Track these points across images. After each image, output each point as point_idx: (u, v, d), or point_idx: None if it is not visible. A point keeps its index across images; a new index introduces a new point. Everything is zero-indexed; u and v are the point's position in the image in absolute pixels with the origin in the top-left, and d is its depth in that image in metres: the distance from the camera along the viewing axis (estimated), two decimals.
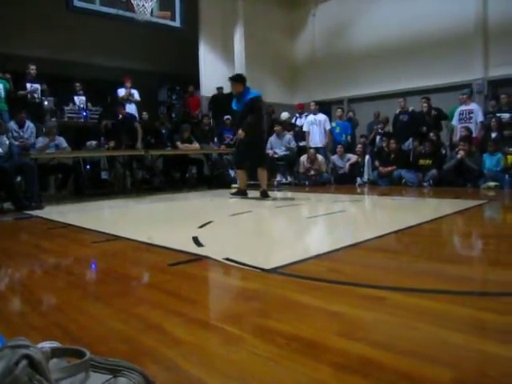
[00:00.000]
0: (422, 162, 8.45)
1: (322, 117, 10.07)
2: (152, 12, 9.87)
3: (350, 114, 10.68)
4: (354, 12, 11.78)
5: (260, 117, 6.72)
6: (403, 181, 8.51)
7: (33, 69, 8.52)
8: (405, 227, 3.79)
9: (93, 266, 3.06)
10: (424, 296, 1.97)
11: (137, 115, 9.65)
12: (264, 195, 6.81)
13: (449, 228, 4.23)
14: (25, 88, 8.45)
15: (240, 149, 6.88)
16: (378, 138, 9.85)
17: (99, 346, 1.50)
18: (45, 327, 1.77)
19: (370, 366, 1.32)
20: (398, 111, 9.73)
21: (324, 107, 11.00)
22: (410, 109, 9.64)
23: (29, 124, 7.72)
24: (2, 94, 7.94)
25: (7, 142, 6.61)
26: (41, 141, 7.45)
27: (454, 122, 8.75)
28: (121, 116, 8.87)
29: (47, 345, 0.87)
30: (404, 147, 9.24)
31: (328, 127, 10.01)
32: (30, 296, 2.26)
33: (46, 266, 3.01)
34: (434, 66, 10.14)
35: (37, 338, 0.84)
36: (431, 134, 8.64)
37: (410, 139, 9.31)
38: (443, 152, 8.78)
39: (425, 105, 9.06)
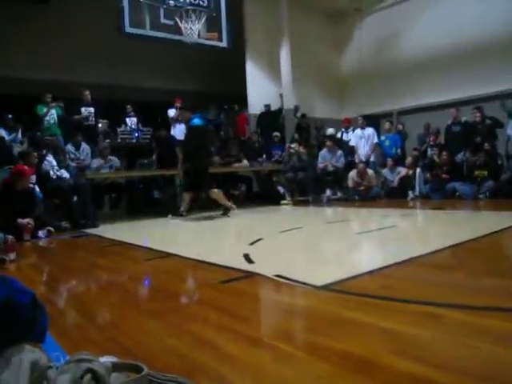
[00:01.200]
0: (477, 173, 8.16)
1: (369, 131, 9.96)
2: (199, 34, 10.12)
3: (399, 126, 10.50)
4: (401, 23, 11.65)
5: (198, 144, 6.91)
6: (457, 194, 8.24)
7: (87, 94, 8.94)
8: (460, 242, 3.65)
9: (146, 282, 3.13)
10: (483, 314, 1.90)
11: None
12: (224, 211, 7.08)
13: (509, 242, 4.05)
14: (80, 112, 8.85)
15: (185, 175, 7.24)
16: (429, 150, 9.61)
17: (154, 361, 1.53)
18: (102, 342, 1.83)
19: None
20: (449, 122, 9.47)
21: (373, 121, 10.88)
22: (463, 119, 9.35)
23: (84, 146, 8.09)
24: (56, 119, 8.44)
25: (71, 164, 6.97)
26: (95, 162, 7.76)
27: (509, 130, 8.43)
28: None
29: (107, 359, 0.91)
30: (457, 159, 8.96)
31: (375, 141, 9.88)
32: (88, 311, 2.34)
33: (101, 283, 3.11)
34: (485, 73, 9.83)
35: (95, 352, 0.88)
36: (486, 145, 8.33)
37: (463, 151, 9.01)
38: (499, 162, 8.45)
39: (478, 115, 8.79)
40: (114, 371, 0.86)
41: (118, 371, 0.88)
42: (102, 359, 0.89)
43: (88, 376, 0.74)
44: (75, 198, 7.00)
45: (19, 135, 7.98)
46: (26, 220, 5.31)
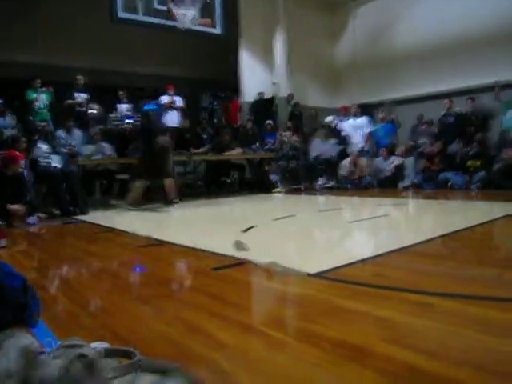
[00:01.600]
0: (469, 163, 8.19)
1: (362, 120, 9.95)
2: (193, 20, 10.01)
3: (393, 116, 10.47)
4: (395, 13, 11.58)
5: (147, 131, 6.79)
6: (449, 184, 8.27)
7: (80, 79, 8.82)
8: (452, 231, 3.67)
9: (138, 269, 3.12)
10: (474, 303, 1.90)
11: (178, 122, 9.76)
12: (168, 202, 6.73)
13: (500, 232, 4.08)
14: (72, 97, 8.74)
15: (141, 160, 6.95)
16: (420, 139, 9.60)
17: (146, 347, 1.52)
18: (94, 328, 1.82)
19: (418, 374, 1.29)
20: (443, 113, 9.48)
21: (366, 110, 10.84)
22: (457, 110, 9.36)
23: (75, 132, 8.00)
24: (46, 104, 8.37)
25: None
26: (87, 148, 7.69)
27: (504, 121, 8.46)
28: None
29: (99, 345, 0.90)
30: (450, 149, 8.98)
31: (368, 130, 9.87)
32: (80, 298, 2.32)
33: (93, 270, 3.09)
34: (479, 64, 9.81)
35: (87, 338, 0.87)
36: (478, 135, 8.36)
37: (456, 141, 9.04)
38: (491, 153, 8.48)
39: (470, 105, 8.79)
40: (105, 357, 0.85)
41: (110, 357, 0.87)
42: (94, 345, 0.88)
43: (79, 361, 0.73)
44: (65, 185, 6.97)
45: (10, 120, 7.87)
46: (16, 206, 5.26)
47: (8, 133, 7.27)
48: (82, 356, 0.74)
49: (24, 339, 0.88)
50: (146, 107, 7.08)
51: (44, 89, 8.40)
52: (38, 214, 5.64)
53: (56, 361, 0.74)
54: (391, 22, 11.69)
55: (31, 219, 5.50)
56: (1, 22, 9.65)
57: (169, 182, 6.73)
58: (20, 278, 0.98)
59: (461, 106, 9.20)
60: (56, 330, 1.75)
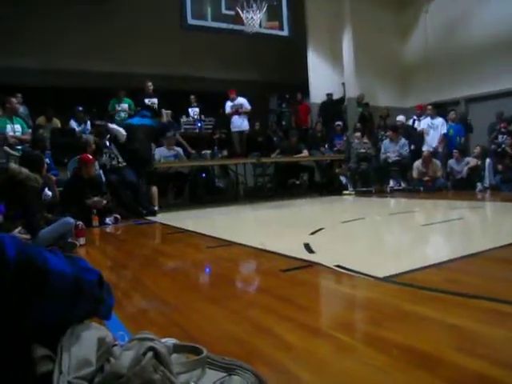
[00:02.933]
0: None
1: (439, 121, 9.58)
2: (261, 23, 10.10)
3: (464, 115, 10.01)
4: (469, 5, 11.03)
5: (132, 140, 7.06)
6: None
7: (150, 85, 9.15)
8: None
9: (208, 269, 3.19)
10: None
11: (247, 126, 9.86)
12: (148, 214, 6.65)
13: None
14: (143, 104, 9.09)
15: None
16: (500, 137, 9.08)
17: (213, 345, 1.56)
18: (164, 325, 1.89)
19: None
20: None
21: (440, 109, 10.42)
22: None
23: None
24: (126, 113, 8.80)
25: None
26: (160, 151, 7.97)
27: None
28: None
29: (169, 340, 0.94)
30: None
31: (443, 131, 9.50)
32: (151, 296, 2.42)
33: (164, 269, 3.21)
34: None
35: (158, 334, 0.91)
36: None
37: None
38: None
39: None
40: (174, 352, 0.89)
41: (179, 352, 0.91)
42: (164, 340, 0.92)
43: (150, 354, 0.77)
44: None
45: (88, 126, 8.33)
46: (94, 198, 5.56)
47: (89, 139, 7.68)
48: (153, 349, 0.78)
49: (100, 331, 0.94)
50: (132, 120, 7.50)
51: (123, 94, 8.80)
52: (115, 215, 5.92)
53: (128, 352, 0.79)
54: (466, 14, 11.15)
55: (108, 219, 5.79)
56: (77, 33, 10.22)
57: (154, 190, 7.07)
58: (96, 272, 1.05)
59: None
60: (128, 324, 1.84)
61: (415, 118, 10.48)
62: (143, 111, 7.84)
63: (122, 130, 7.24)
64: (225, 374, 0.87)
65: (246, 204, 7.96)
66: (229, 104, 9.83)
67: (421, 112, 10.41)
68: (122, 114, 8.75)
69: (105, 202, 5.73)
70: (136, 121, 7.49)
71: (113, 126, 7.26)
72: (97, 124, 7.30)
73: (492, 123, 9.63)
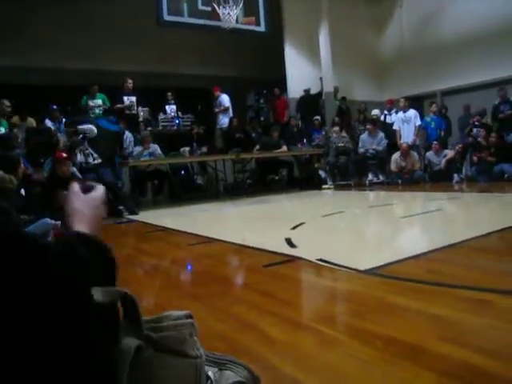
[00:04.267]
0: None
1: (411, 113, 9.68)
2: (237, 19, 10.06)
3: (443, 110, 10.13)
4: (443, 0, 11.19)
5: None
6: (505, 176, 7.92)
7: (130, 83, 9.02)
8: (510, 225, 3.50)
9: (189, 267, 3.17)
10: None
11: (226, 123, 9.88)
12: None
13: None
14: (122, 101, 8.97)
15: None
16: (474, 130, 9.23)
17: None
18: None
19: (476, 374, 1.24)
20: (497, 102, 9.09)
21: (415, 102, 10.54)
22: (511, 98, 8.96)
23: (127, 134, 8.22)
24: (101, 108, 8.65)
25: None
26: (137, 149, 7.90)
27: None
28: None
29: None
30: (509, 140, 8.57)
31: (418, 123, 9.59)
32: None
33: (145, 267, 3.18)
34: None
35: None
36: None
37: None
38: None
39: None
40: None
41: None
42: None
43: (190, 320, 0.81)
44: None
45: (62, 125, 8.18)
46: None
47: (61, 137, 7.56)
48: (191, 317, 0.80)
49: None
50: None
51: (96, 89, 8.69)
52: None
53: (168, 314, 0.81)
54: (439, 10, 11.30)
55: None
56: (53, 31, 10.03)
57: None
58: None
59: None
60: None
61: (386, 112, 10.60)
62: (111, 117, 7.91)
63: (92, 127, 7.17)
64: (216, 369, 0.86)
65: (226, 200, 7.93)
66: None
67: (391, 106, 10.55)
68: (97, 111, 8.62)
69: None
70: (103, 124, 7.46)
71: (82, 126, 7.17)
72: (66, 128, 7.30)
73: (460, 117, 9.80)
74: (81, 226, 0.84)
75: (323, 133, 10.05)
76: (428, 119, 9.79)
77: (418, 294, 2.00)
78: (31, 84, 9.47)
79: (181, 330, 0.76)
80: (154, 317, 0.78)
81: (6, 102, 7.09)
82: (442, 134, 9.59)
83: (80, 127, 7.09)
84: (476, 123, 9.11)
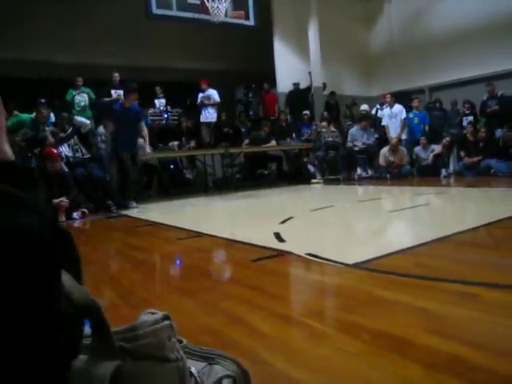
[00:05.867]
0: None
1: (397, 108, 9.74)
2: (226, 13, 10.02)
3: (438, 104, 10.17)
4: None
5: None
6: (492, 171, 8.00)
7: (116, 76, 8.97)
8: (497, 220, 3.55)
9: (178, 261, 3.17)
10: None
11: (215, 117, 9.84)
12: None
13: None
14: (110, 95, 8.92)
15: None
16: (464, 120, 9.26)
17: (187, 338, 1.54)
18: (135, 319, 1.86)
19: (462, 366, 1.26)
20: (485, 97, 9.17)
21: (403, 97, 10.60)
22: (499, 94, 9.03)
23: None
24: (87, 102, 8.57)
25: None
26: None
27: None
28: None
29: None
30: (497, 135, 8.65)
31: (403, 117, 9.65)
32: (122, 290, 2.38)
33: (135, 262, 3.17)
34: None
35: None
36: None
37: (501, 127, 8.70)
38: None
39: None
40: None
41: None
42: None
43: (167, 321, 0.79)
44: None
45: (52, 119, 8.10)
46: (60, 199, 5.43)
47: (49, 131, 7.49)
48: (168, 318, 0.79)
49: None
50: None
51: (80, 83, 8.61)
52: (83, 209, 5.81)
53: (146, 316, 0.79)
54: (428, 5, 11.36)
55: (75, 214, 5.67)
56: (41, 24, 9.91)
57: None
58: None
59: (507, 89, 8.87)
60: None
61: (378, 107, 10.64)
62: (88, 112, 8.11)
63: (86, 121, 7.12)
64: (205, 364, 0.86)
65: (216, 195, 7.92)
66: (200, 95, 9.77)
67: (384, 101, 10.60)
68: (82, 104, 8.55)
69: (67, 202, 5.55)
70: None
71: (79, 117, 7.16)
72: (63, 115, 7.19)
73: (448, 111, 9.87)
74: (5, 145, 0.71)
75: (313, 127, 10.07)
76: (411, 115, 9.84)
77: (405, 288, 2.02)
78: (19, 77, 9.36)
79: (159, 335, 0.75)
80: (127, 326, 0.76)
81: None
82: (426, 128, 9.65)
83: (78, 119, 7.07)
84: (466, 111, 9.15)
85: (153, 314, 0.81)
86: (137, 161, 6.98)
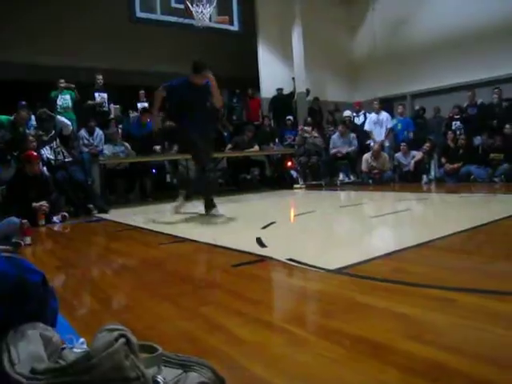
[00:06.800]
0: (492, 156, 8.02)
1: (384, 115, 9.84)
2: (210, 18, 10.03)
3: (421, 112, 10.27)
4: (415, 3, 11.41)
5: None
6: (472, 177, 8.12)
7: (100, 79, 8.92)
8: (476, 225, 3.60)
9: (159, 266, 3.14)
10: (498, 298, 1.86)
11: None
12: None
13: None
14: (93, 98, 8.85)
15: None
16: (454, 124, 9.32)
17: (166, 344, 1.52)
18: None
19: (440, 371, 1.27)
20: (465, 104, 9.31)
21: (386, 104, 10.72)
22: (479, 101, 9.18)
23: (98, 132, 8.11)
24: (70, 104, 8.45)
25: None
26: (107, 148, 7.80)
27: None
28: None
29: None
30: (476, 142, 8.78)
31: (389, 125, 9.76)
32: (101, 295, 2.35)
33: (115, 267, 3.13)
34: (503, 54, 9.60)
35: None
36: (507, 126, 8.09)
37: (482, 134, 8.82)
38: None
39: (495, 96, 8.64)
40: None
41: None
42: None
43: (122, 340, 0.77)
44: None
45: (32, 122, 7.99)
46: (40, 203, 5.35)
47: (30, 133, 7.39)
48: (124, 336, 0.77)
49: (46, 331, 0.90)
50: None
51: (63, 85, 8.50)
52: (63, 213, 5.74)
53: (100, 335, 0.78)
54: (411, 12, 11.52)
55: (55, 218, 5.60)
56: (23, 26, 9.80)
57: None
58: (40, 273, 1.00)
59: (487, 97, 9.02)
60: (77, 326, 1.78)
61: (354, 114, 10.74)
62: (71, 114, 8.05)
63: (68, 122, 7.04)
64: (181, 371, 0.85)
65: (198, 199, 7.88)
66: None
67: (359, 108, 10.72)
68: (65, 105, 8.46)
69: (47, 205, 5.46)
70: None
71: (61, 118, 7.09)
72: (46, 113, 7.07)
73: (430, 118, 10.00)
74: None
75: (299, 132, 10.09)
76: (395, 121, 9.94)
77: (385, 293, 2.03)
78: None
79: (115, 358, 0.74)
80: (82, 354, 0.76)
81: None
82: (410, 135, 9.75)
83: (60, 119, 7.00)
84: (455, 116, 9.24)
85: (110, 330, 0.80)
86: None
